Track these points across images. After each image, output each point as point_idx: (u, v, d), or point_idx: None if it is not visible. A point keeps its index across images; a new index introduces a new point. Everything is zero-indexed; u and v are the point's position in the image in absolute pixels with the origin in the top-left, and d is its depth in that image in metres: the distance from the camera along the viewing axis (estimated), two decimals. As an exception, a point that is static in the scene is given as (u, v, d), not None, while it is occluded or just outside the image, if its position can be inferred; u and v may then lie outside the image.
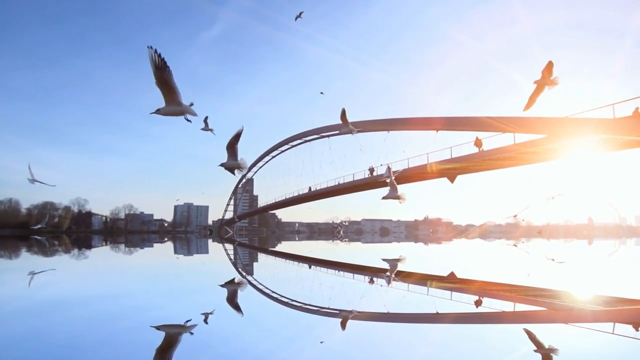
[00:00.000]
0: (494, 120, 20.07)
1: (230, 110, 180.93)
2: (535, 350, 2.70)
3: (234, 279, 6.77)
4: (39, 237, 38.18)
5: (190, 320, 3.49)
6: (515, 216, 25.85)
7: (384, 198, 11.69)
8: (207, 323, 3.44)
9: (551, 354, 2.65)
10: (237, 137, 7.43)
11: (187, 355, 2.65)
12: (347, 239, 36.06)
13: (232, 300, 4.65)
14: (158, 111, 6.15)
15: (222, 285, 5.85)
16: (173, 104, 6.05)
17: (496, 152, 23.19)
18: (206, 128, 9.80)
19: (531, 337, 3.01)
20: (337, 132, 36.34)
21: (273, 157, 58.49)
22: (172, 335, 3.09)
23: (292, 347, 2.88)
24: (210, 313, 3.83)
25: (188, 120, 6.48)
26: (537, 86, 10.71)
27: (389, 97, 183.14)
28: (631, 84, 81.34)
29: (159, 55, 5.37)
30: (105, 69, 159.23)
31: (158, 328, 3.25)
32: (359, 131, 18.18)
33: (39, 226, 45.22)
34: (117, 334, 3.17)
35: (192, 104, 6.32)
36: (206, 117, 9.78)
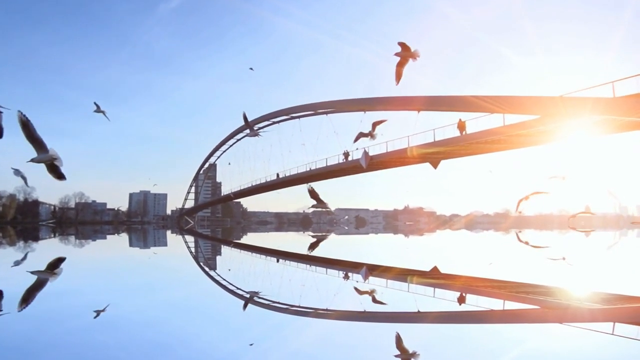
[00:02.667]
0: (481, 99, 20.05)
1: (191, 88, 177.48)
2: (396, 356, 2.65)
3: (54, 267, 7.06)
4: None
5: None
6: (527, 199, 26.33)
7: (312, 206, 13.43)
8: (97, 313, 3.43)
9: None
10: (25, 125, 7.01)
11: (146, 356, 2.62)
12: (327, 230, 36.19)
13: (32, 291, 4.77)
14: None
15: (32, 272, 6.15)
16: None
17: (484, 134, 23.34)
18: (98, 110, 10.37)
19: (398, 341, 2.91)
20: (309, 112, 36.06)
21: (238, 140, 57.83)
22: None
23: (257, 349, 2.75)
24: (103, 310, 3.78)
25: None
26: (400, 59, 11.86)
27: (365, 74, 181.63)
28: (631, 58, 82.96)
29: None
30: (52, 44, 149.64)
31: None
32: (259, 129, 18.94)
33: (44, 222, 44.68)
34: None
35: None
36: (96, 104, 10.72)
